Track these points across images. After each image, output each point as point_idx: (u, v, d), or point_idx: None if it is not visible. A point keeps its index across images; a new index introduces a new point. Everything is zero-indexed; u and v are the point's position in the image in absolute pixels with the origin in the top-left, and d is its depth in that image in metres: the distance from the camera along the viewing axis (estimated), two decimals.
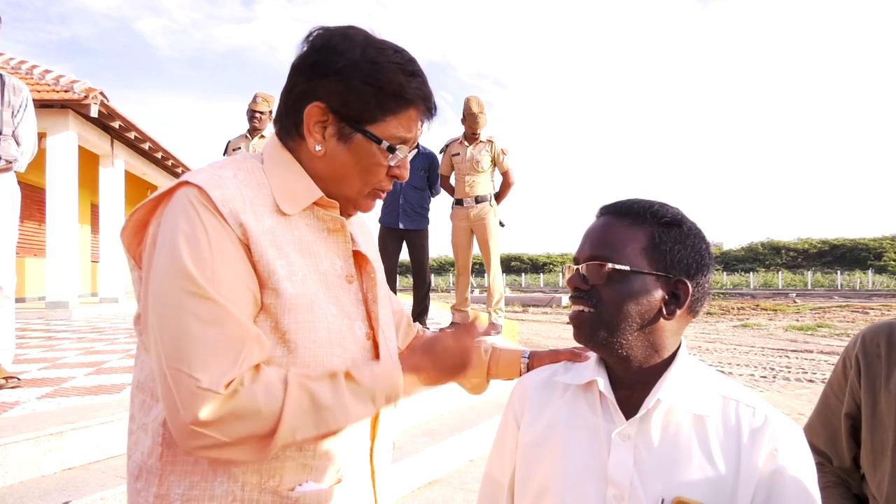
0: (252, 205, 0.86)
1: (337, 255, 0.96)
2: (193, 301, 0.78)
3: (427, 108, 0.96)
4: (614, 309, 0.91)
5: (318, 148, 0.92)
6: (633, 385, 0.94)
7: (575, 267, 0.96)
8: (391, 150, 0.93)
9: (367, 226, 1.16)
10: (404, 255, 5.54)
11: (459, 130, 5.56)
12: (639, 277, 0.90)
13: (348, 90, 0.90)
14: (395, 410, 1.03)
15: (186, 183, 0.84)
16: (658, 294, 0.91)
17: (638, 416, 0.91)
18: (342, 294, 0.94)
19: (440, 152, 5.56)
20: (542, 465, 0.97)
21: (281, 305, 0.85)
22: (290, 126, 0.94)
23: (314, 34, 0.94)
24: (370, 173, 0.94)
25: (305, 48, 0.94)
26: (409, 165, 0.99)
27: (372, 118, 0.91)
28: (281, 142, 0.96)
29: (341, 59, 0.90)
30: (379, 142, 0.91)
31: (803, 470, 0.87)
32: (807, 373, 7.76)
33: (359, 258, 0.99)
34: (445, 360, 0.96)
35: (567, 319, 1.03)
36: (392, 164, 0.95)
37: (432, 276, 6.28)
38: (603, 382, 0.95)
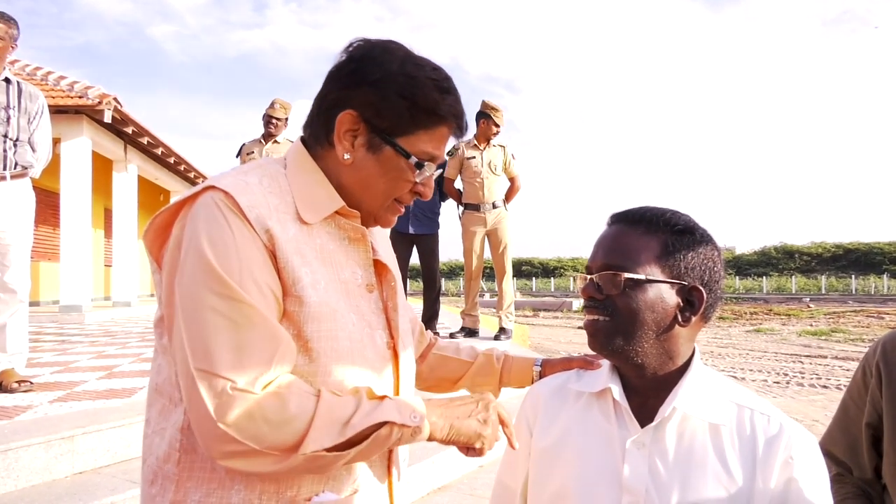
0: (277, 212, 0.86)
1: (357, 264, 0.95)
2: (223, 302, 0.77)
3: (458, 126, 0.95)
4: (630, 318, 0.90)
5: (346, 156, 0.91)
6: (646, 393, 0.94)
7: (588, 276, 0.95)
8: (419, 165, 0.92)
9: (384, 234, 1.15)
10: (414, 260, 5.54)
11: (470, 135, 5.55)
12: (653, 286, 0.90)
13: (382, 101, 0.89)
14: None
15: (212, 187, 0.84)
16: (673, 301, 0.91)
17: (653, 424, 0.90)
18: (363, 303, 0.94)
19: (448, 155, 5.53)
20: (556, 473, 0.97)
21: (304, 313, 0.84)
22: (319, 132, 0.94)
23: (354, 44, 0.94)
24: (394, 187, 0.93)
25: (344, 57, 0.94)
26: (433, 184, 0.97)
27: (403, 131, 0.90)
28: (307, 148, 0.96)
29: (379, 71, 0.90)
30: (408, 156, 0.91)
31: (818, 479, 0.87)
32: (821, 378, 7.68)
33: (379, 267, 0.99)
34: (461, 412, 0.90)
35: (578, 324, 1.03)
36: (417, 180, 0.94)
37: (442, 281, 6.28)
38: (617, 390, 0.95)
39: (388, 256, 1.05)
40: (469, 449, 0.90)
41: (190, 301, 0.79)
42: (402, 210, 0.99)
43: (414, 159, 0.91)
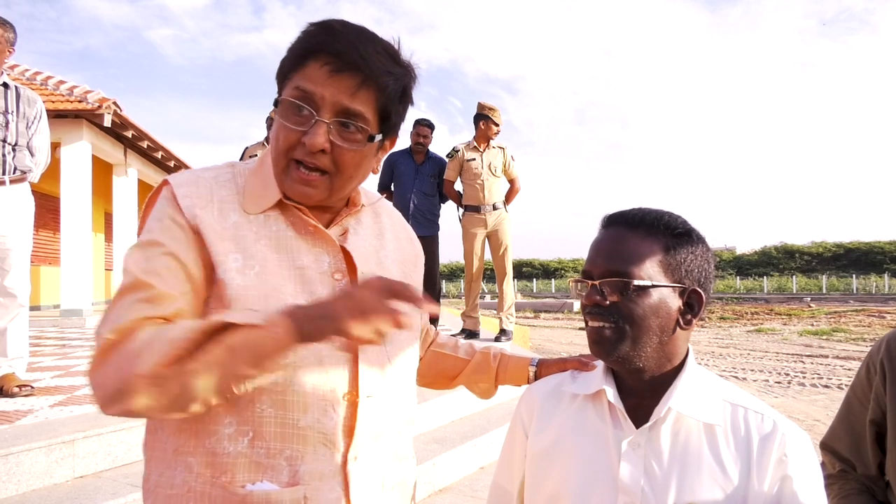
0: (220, 202, 0.90)
1: (325, 251, 0.95)
2: (126, 278, 0.83)
3: (330, 54, 0.85)
4: (636, 324, 0.89)
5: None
6: (641, 393, 0.94)
7: (591, 283, 0.93)
8: (276, 103, 0.90)
9: (403, 231, 1.14)
10: None
11: (469, 136, 5.55)
12: (658, 290, 0.90)
13: (280, 70, 0.92)
14: (389, 417, 0.96)
15: (166, 182, 0.91)
16: (675, 305, 0.91)
17: (648, 424, 0.91)
18: (321, 289, 0.92)
19: (447, 157, 5.54)
20: (551, 475, 0.97)
21: (229, 296, 0.86)
22: None
23: None
24: (279, 140, 0.90)
25: None
26: (317, 131, 0.86)
27: (283, 85, 0.91)
28: None
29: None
30: (276, 103, 0.90)
31: (812, 477, 0.88)
32: (822, 378, 7.67)
33: (346, 256, 0.96)
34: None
35: (579, 325, 1.02)
36: (286, 122, 0.88)
37: (443, 283, 6.27)
38: (612, 392, 0.95)
39: (378, 252, 1.03)
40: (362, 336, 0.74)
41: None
42: (308, 175, 0.89)
43: (275, 98, 0.91)
